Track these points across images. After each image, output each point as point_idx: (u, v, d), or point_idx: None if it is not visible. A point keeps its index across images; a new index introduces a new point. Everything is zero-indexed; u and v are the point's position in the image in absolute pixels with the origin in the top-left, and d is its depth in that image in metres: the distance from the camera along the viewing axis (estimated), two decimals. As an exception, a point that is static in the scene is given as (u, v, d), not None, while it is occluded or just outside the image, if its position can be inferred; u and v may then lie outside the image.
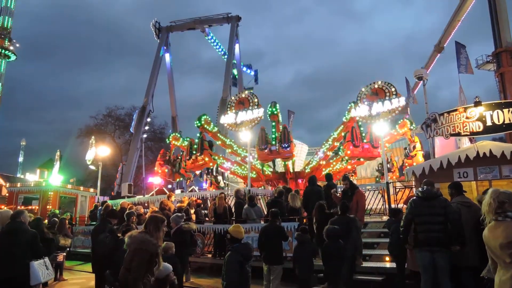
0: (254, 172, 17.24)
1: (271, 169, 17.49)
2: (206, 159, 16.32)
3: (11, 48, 53.92)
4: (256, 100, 14.90)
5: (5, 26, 53.24)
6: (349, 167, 17.60)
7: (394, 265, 7.48)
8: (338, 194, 9.58)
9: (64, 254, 11.38)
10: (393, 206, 10.83)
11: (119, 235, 6.54)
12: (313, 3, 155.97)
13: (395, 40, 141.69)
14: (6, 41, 52.86)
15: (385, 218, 10.88)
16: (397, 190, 12.66)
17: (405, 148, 17.79)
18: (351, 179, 10.23)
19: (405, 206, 7.83)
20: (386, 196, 11.58)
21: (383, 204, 12.23)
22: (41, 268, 5.18)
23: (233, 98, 15.94)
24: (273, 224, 7.45)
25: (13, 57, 54.60)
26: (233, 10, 38.55)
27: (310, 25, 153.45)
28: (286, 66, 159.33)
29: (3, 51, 52.59)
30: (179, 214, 7.30)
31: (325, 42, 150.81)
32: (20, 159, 77.59)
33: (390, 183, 12.11)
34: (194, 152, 16.50)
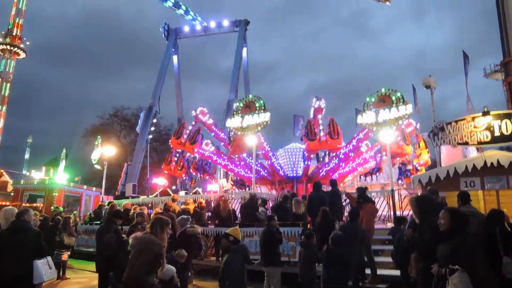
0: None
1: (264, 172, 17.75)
2: (196, 149, 17.54)
3: (22, 46, 54.45)
4: (262, 103, 14.95)
5: (16, 24, 53.86)
6: (360, 169, 17.51)
7: (398, 272, 7.42)
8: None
9: (68, 253, 11.41)
10: (398, 213, 10.75)
11: (123, 236, 6.56)
12: (330, 23, 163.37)
13: (406, 56, 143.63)
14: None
15: (390, 225, 10.81)
16: (403, 197, 12.58)
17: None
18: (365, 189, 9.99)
19: (410, 213, 7.77)
20: (391, 203, 11.51)
21: (388, 211, 12.16)
22: (44, 267, 5.18)
23: (238, 102, 16.03)
24: (268, 227, 7.70)
25: (23, 55, 55.13)
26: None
27: (325, 41, 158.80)
28: (301, 76, 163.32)
29: (13, 48, 53.10)
30: (185, 216, 7.30)
31: (339, 56, 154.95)
32: (26, 156, 78.21)
33: (395, 190, 12.04)
34: (184, 136, 17.58)
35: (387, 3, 24.59)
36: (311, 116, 15.90)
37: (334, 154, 17.60)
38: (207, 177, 20.63)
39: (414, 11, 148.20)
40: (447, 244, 3.94)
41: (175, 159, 19.12)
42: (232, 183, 21.14)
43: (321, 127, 14.95)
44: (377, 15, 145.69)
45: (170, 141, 18.70)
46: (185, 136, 17.70)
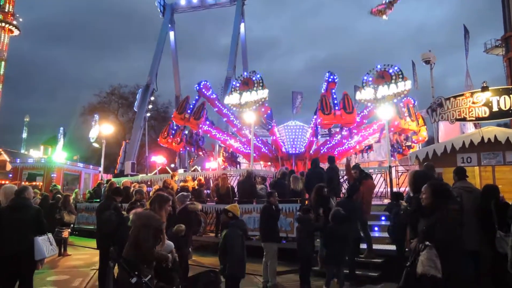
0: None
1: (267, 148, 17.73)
2: (202, 125, 17.11)
3: (14, 22, 53.38)
4: (260, 80, 14.84)
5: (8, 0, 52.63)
6: (357, 146, 17.64)
7: (393, 247, 7.55)
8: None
9: (69, 230, 11.56)
10: (395, 189, 10.84)
11: (123, 212, 6.62)
12: None
13: (407, 31, 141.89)
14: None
15: (386, 201, 10.92)
16: (400, 174, 12.67)
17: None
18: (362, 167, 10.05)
19: (407, 189, 7.84)
20: (388, 180, 11.60)
21: (385, 187, 12.26)
22: (45, 244, 5.24)
23: (237, 78, 15.89)
24: (267, 204, 7.80)
25: (16, 32, 54.12)
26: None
27: (325, 16, 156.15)
28: (301, 52, 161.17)
29: (6, 25, 52.06)
30: (185, 193, 7.35)
31: (339, 31, 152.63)
32: (24, 135, 78.01)
33: (392, 166, 12.11)
34: (188, 111, 16.92)
35: (384, 17, 23.99)
36: (323, 90, 15.84)
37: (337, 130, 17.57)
38: (201, 153, 20.26)
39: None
40: (427, 219, 3.87)
41: (173, 132, 18.58)
42: (224, 159, 20.83)
43: (335, 101, 14.93)
44: None
45: (172, 116, 18.10)
46: (188, 111, 16.99)
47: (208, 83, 18.10)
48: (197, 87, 17.72)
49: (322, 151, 17.10)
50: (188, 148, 19.81)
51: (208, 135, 18.70)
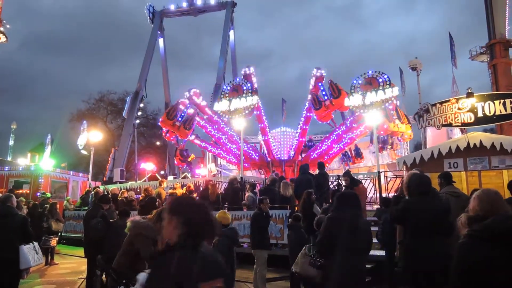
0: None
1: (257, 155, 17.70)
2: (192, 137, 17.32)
3: (1, 29, 52.72)
4: (249, 86, 14.90)
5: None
6: (346, 148, 17.94)
7: (383, 252, 7.58)
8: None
9: (56, 238, 11.39)
10: (384, 195, 10.93)
11: (111, 220, 6.56)
12: (322, 10, 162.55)
13: (397, 41, 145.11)
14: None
15: (376, 206, 10.99)
16: (388, 179, 12.77)
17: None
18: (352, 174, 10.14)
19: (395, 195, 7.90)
20: (377, 185, 11.68)
21: (374, 193, 12.34)
22: (30, 253, 5.17)
23: (228, 84, 15.91)
24: (257, 211, 7.76)
25: (3, 39, 53.43)
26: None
27: (318, 29, 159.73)
28: (293, 63, 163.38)
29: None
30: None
31: (331, 43, 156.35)
32: (11, 142, 76.78)
33: (381, 172, 12.21)
34: (179, 119, 16.65)
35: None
36: (311, 86, 16.27)
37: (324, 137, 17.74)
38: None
39: (404, 1, 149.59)
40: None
41: (182, 115, 16.86)
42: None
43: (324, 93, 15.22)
44: (368, 4, 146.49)
45: (161, 120, 17.47)
46: (179, 119, 16.56)
47: (198, 90, 18.29)
48: (188, 94, 17.81)
49: (312, 156, 17.18)
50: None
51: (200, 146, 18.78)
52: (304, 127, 17.06)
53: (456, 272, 2.33)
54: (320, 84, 15.82)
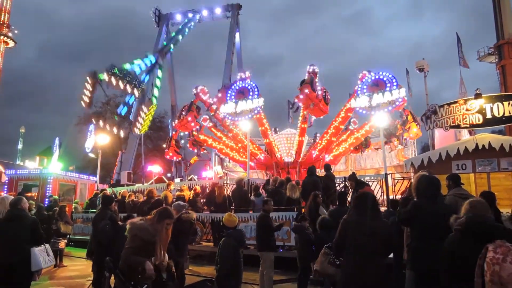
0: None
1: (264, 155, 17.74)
2: (189, 118, 17.51)
3: (10, 34, 53.44)
4: (255, 90, 14.93)
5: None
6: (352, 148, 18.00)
7: (390, 255, 7.52)
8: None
9: (65, 240, 11.47)
10: (391, 197, 10.86)
11: (119, 222, 6.60)
12: (332, 19, 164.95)
13: (405, 48, 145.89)
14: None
15: (383, 209, 10.92)
16: (396, 181, 12.69)
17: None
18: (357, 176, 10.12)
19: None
20: (384, 187, 11.61)
21: (381, 195, 12.27)
22: (42, 255, 5.21)
23: (233, 87, 15.94)
24: (263, 213, 7.69)
25: (11, 44, 54.14)
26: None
27: (328, 36, 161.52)
28: (302, 68, 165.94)
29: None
30: (181, 202, 7.31)
31: (339, 50, 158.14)
32: (20, 146, 77.64)
33: (388, 174, 12.14)
34: (184, 113, 17.75)
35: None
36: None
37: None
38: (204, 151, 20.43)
39: (413, 8, 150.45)
40: None
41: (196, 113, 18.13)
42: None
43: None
44: (377, 13, 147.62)
45: (175, 124, 18.63)
46: (189, 118, 17.59)
47: (205, 88, 18.90)
48: (195, 91, 18.52)
49: (314, 155, 17.16)
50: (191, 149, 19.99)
51: (205, 144, 18.78)
52: (303, 126, 17.13)
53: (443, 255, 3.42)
54: (315, 80, 15.84)
